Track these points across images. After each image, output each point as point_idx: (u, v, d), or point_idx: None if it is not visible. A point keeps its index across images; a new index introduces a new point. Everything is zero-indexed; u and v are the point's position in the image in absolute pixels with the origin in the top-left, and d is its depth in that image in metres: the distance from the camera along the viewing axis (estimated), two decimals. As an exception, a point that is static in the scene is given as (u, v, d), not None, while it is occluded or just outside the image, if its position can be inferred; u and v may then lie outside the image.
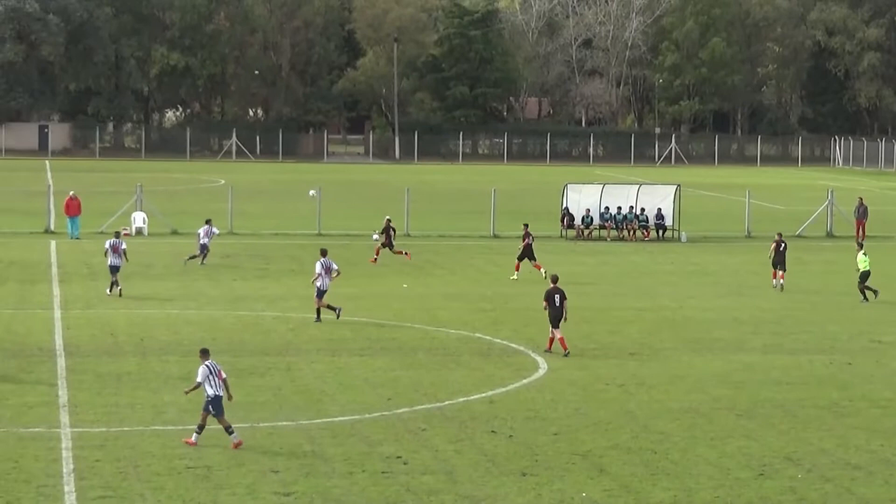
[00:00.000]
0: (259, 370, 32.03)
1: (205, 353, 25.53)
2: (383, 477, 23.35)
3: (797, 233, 65.49)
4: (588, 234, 64.32)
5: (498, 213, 64.87)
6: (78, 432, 25.88)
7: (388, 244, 53.51)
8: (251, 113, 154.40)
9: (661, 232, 64.55)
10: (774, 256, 47.89)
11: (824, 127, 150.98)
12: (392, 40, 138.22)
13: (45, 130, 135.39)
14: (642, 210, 64.83)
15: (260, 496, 22.19)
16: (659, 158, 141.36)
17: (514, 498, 22.40)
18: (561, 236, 64.29)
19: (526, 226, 50.63)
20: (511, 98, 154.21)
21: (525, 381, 31.53)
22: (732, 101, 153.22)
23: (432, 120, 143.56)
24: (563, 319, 34.73)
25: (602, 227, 64.71)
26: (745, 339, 37.52)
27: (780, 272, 47.66)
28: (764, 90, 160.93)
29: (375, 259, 52.89)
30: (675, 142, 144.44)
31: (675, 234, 64.83)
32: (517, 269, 49.24)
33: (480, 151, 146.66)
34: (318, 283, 39.05)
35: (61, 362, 32.64)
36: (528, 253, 49.52)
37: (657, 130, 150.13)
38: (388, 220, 54.28)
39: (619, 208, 64.74)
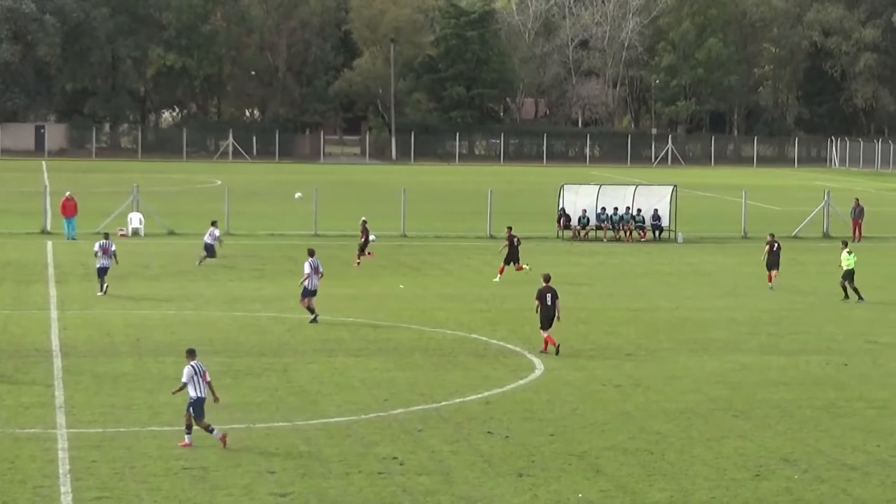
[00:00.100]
0: (255, 371, 32.01)
1: (191, 354, 25.45)
2: (380, 477, 23.34)
3: (793, 233, 65.51)
4: (584, 235, 64.31)
5: (494, 213, 64.86)
6: (74, 433, 25.85)
7: (363, 244, 52.99)
8: (248, 113, 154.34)
9: (657, 233, 64.56)
10: (768, 258, 47.78)
11: (821, 128, 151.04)
12: (388, 41, 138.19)
13: (42, 131, 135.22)
14: (639, 211, 64.82)
15: (256, 497, 22.17)
16: (655, 159, 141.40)
17: (511, 499, 22.39)
18: (557, 237, 64.33)
19: (510, 228, 50.46)
20: (507, 99, 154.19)
21: (521, 381, 31.50)
22: (729, 101, 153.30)
23: (429, 120, 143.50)
24: (555, 319, 34.73)
25: (598, 227, 64.67)
26: (741, 340, 37.51)
27: (774, 272, 47.61)
28: (760, 91, 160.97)
29: (359, 263, 52.36)
30: (672, 142, 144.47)
31: (672, 234, 64.85)
32: (500, 273, 48.94)
33: (477, 152, 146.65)
34: (307, 284, 39.02)
35: (58, 363, 32.59)
36: (513, 255, 49.32)
37: (654, 131, 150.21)
38: (364, 222, 53.76)
39: (616, 209, 64.72)
